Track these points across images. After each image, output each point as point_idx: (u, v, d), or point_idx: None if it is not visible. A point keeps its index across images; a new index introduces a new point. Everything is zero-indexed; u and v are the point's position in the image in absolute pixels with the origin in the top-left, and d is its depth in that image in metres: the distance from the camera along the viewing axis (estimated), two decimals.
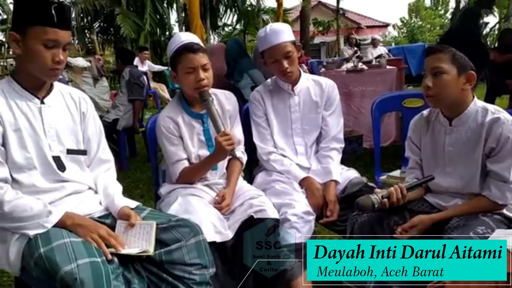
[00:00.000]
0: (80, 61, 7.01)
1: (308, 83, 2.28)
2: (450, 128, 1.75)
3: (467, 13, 5.11)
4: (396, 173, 2.44)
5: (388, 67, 5.15)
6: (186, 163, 2.05)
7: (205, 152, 2.06)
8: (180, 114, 2.07)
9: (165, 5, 15.68)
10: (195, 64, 1.96)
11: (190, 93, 2.03)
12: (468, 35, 1.76)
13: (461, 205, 1.71)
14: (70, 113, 1.73)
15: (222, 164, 2.14)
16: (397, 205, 1.72)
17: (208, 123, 2.06)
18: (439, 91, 1.66)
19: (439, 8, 35.82)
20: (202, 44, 2.06)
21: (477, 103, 1.72)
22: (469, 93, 1.70)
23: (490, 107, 1.71)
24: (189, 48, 1.97)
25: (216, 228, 1.80)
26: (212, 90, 2.06)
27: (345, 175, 2.19)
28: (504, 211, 1.69)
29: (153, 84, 8.97)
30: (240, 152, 2.16)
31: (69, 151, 1.69)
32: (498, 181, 1.66)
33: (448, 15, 31.03)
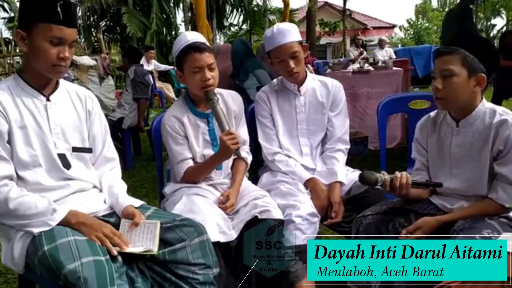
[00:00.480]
0: (86, 60, 7.06)
1: (314, 84, 2.28)
2: (457, 129, 1.73)
3: (462, 12, 5.09)
4: None
5: (394, 68, 5.12)
6: (190, 163, 2.04)
7: (210, 152, 2.06)
8: (185, 113, 2.07)
9: (171, 4, 15.72)
10: (201, 63, 1.95)
11: (196, 92, 2.03)
12: (471, 35, 1.74)
13: (467, 208, 1.69)
14: (76, 111, 1.73)
15: (227, 164, 2.13)
16: (399, 193, 1.68)
17: (213, 123, 2.05)
18: (448, 93, 1.64)
19: (446, 9, 35.69)
20: (208, 44, 2.06)
21: (485, 104, 1.70)
22: (479, 95, 1.68)
23: (498, 108, 1.69)
24: (196, 48, 1.97)
25: (220, 228, 1.80)
26: (218, 90, 2.06)
27: (350, 176, 2.18)
28: (511, 214, 1.67)
29: (159, 84, 8.99)
30: (245, 152, 2.16)
31: (75, 149, 1.69)
32: (506, 184, 1.64)
33: None
